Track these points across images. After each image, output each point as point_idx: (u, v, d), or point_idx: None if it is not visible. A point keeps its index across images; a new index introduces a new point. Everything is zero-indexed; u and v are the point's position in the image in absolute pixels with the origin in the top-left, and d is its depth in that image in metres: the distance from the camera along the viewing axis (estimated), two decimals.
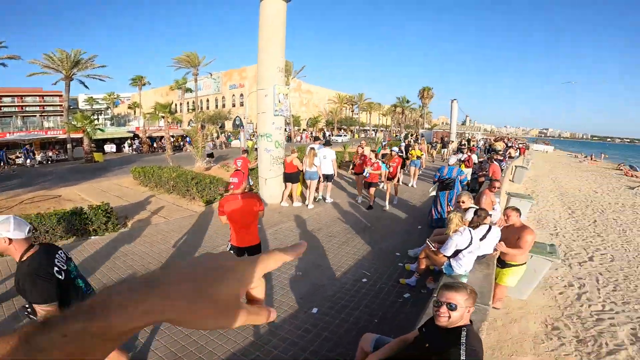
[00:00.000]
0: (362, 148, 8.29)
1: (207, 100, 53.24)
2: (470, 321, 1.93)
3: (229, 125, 45.93)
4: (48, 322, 0.30)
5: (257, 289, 0.40)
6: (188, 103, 53.07)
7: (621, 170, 27.40)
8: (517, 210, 3.95)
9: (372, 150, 7.60)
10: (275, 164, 7.78)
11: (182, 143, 28.06)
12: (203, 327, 0.33)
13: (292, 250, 0.41)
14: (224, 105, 49.01)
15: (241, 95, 47.24)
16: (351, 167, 9.18)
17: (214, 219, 6.83)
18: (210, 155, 15.86)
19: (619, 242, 7.69)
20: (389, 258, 5.16)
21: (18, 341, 0.29)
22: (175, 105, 50.77)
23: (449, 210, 5.60)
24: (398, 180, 8.51)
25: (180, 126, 34.87)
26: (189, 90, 41.35)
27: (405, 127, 56.03)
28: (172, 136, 27.01)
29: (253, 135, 20.83)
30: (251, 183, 8.56)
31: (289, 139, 38.48)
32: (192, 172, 9.48)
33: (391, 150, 8.41)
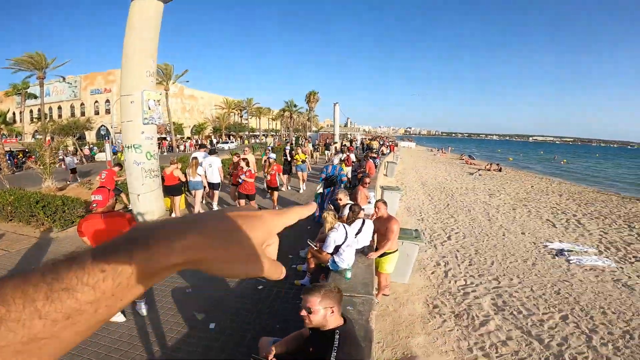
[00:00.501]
0: (239, 156, 7.55)
1: (59, 108, 44.10)
2: (346, 320, 1.92)
3: (91, 136, 38.99)
4: (80, 254, 0.26)
5: (272, 247, 0.39)
6: (32, 111, 43.04)
7: (463, 159, 34.39)
8: (385, 202, 4.44)
9: (243, 159, 7.04)
10: (149, 177, 6.90)
11: (23, 160, 22.54)
12: (232, 272, 0.32)
13: (306, 207, 0.42)
14: (83, 113, 41.18)
15: (107, 101, 40.82)
16: (229, 177, 8.71)
17: (71, 244, 5.92)
18: (74, 171, 13.81)
19: (466, 221, 9.54)
20: (282, 261, 4.89)
21: (39, 278, 0.24)
22: (13, 114, 40.78)
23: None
24: (280, 187, 8.42)
25: (21, 139, 27.95)
26: (32, 96, 33.05)
27: (294, 131, 57.74)
28: (10, 152, 21.53)
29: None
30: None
31: (170, 148, 35.15)
32: (38, 193, 7.66)
33: (268, 158, 7.99)
